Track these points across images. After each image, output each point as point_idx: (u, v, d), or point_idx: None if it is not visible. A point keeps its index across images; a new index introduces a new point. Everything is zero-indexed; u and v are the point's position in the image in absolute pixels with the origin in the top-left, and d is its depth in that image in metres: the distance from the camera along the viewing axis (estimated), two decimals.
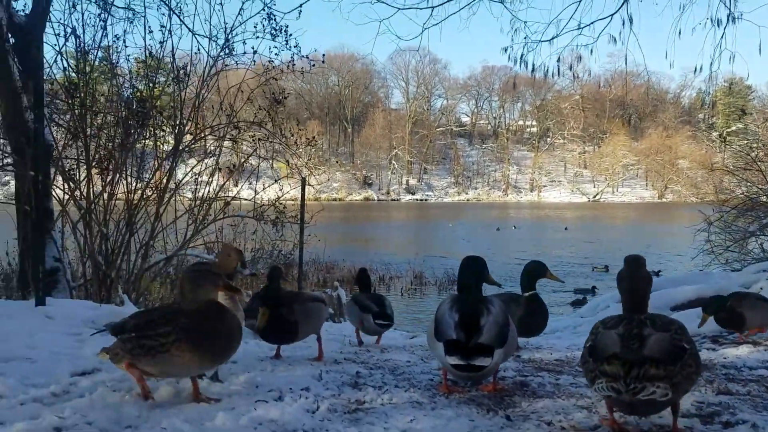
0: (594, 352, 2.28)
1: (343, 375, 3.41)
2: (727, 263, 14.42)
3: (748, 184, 15.32)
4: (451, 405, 2.76)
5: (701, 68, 8.05)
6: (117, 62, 8.40)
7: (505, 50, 9.22)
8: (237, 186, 10.40)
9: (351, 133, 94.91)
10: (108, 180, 8.00)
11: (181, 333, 2.60)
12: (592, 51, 8.97)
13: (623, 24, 7.91)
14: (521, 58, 9.21)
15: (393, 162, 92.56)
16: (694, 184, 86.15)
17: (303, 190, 10.79)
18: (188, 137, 8.94)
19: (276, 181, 10.49)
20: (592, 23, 8.60)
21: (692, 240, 15.40)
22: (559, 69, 9.82)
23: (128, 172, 8.34)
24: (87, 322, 5.00)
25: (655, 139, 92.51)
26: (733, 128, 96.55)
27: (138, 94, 8.66)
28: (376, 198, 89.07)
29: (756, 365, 3.78)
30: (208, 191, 9.49)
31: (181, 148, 8.79)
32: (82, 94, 7.66)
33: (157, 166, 8.89)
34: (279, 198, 10.40)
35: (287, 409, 2.56)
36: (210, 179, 9.51)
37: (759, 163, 15.03)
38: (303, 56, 9.71)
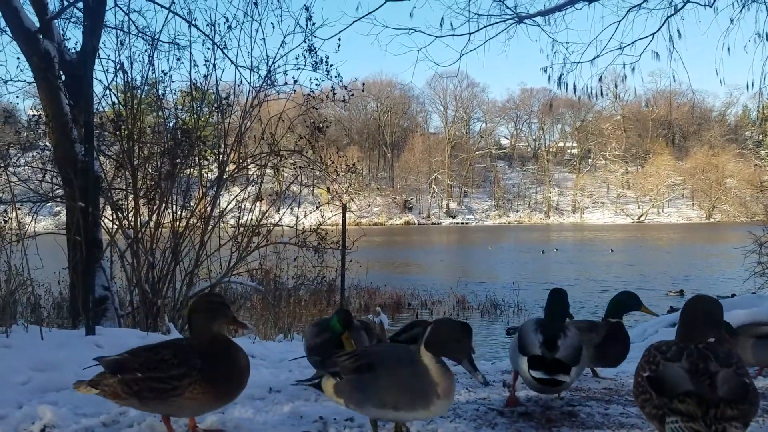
0: (659, 386, 2.21)
1: None
2: None
3: None
4: None
5: (753, 84, 7.88)
6: (163, 95, 8.66)
7: (545, 71, 9.19)
8: (279, 213, 10.53)
9: (390, 158, 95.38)
10: (154, 209, 8.21)
11: (196, 375, 2.44)
12: (634, 69, 8.87)
13: (670, 40, 7.81)
14: (560, 79, 9.17)
15: (433, 186, 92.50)
16: (743, 204, 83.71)
17: (344, 215, 10.86)
18: (231, 166, 9.13)
19: (317, 207, 10.59)
20: (633, 42, 8.54)
21: (743, 262, 14.90)
22: (602, 90, 9.73)
23: (174, 201, 8.54)
24: None
25: (701, 158, 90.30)
26: None
27: (183, 125, 8.90)
28: (416, 222, 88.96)
29: None
30: (251, 218, 9.64)
31: (224, 176, 8.98)
32: (130, 126, 7.91)
33: (201, 194, 9.09)
34: (321, 224, 10.49)
35: None
36: (252, 207, 9.66)
37: None
38: (344, 86, 9.87)
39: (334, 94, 10.25)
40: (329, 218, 11.00)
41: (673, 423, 2.12)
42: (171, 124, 9.14)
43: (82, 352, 4.72)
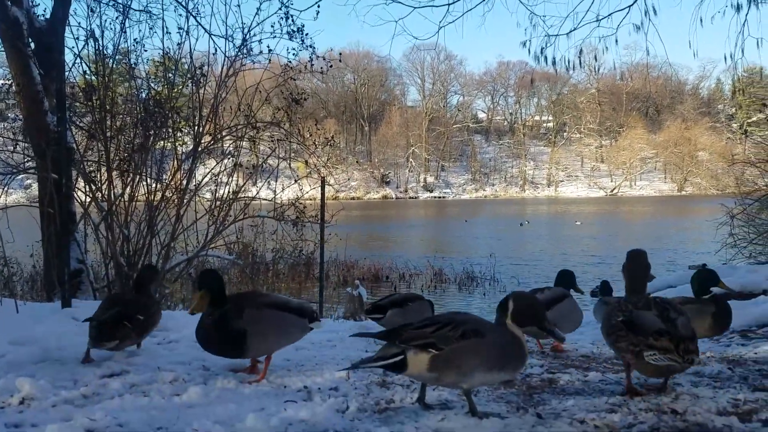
0: (634, 327, 2.74)
1: (371, 375, 3.39)
2: (751, 257, 14.21)
3: None
4: (481, 403, 2.74)
5: (732, 56, 7.90)
6: (135, 64, 8.46)
7: (524, 44, 9.15)
8: (255, 186, 10.43)
9: (368, 131, 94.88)
10: (128, 182, 8.07)
11: None
12: (617, 41, 8.86)
13: (646, 14, 7.79)
14: (541, 52, 9.14)
15: (410, 160, 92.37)
16: (715, 177, 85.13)
17: (323, 189, 10.80)
18: (207, 138, 8.99)
19: (296, 181, 10.51)
20: (610, 15, 8.49)
21: (714, 234, 15.19)
22: (580, 62, 9.72)
23: (148, 174, 8.40)
24: None
25: (674, 131, 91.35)
26: (754, 119, 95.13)
27: (156, 95, 8.71)
28: (394, 196, 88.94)
29: None
30: (228, 192, 9.54)
31: (200, 148, 8.85)
32: (102, 96, 7.72)
33: (176, 166, 8.97)
34: (299, 198, 10.43)
35: (317, 409, 2.55)
36: (229, 180, 9.56)
37: None
38: (320, 56, 9.72)
39: (312, 64, 10.10)
40: (307, 192, 10.94)
41: (652, 356, 2.65)
42: (144, 95, 8.94)
43: (58, 325, 4.66)
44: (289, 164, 10.58)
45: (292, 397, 2.81)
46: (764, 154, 16.59)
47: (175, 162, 9.12)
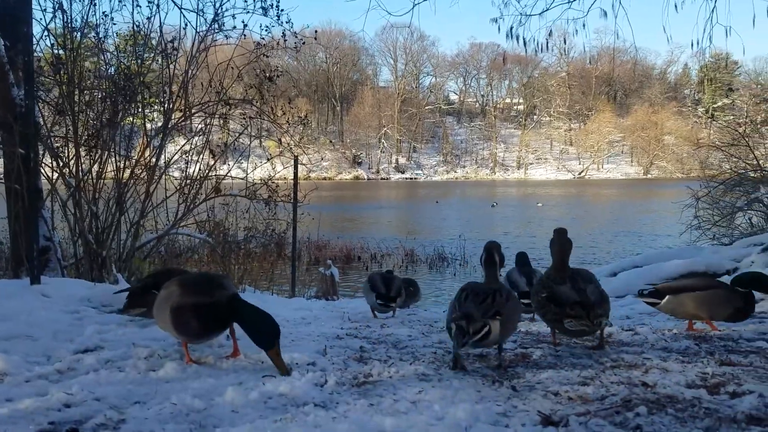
0: (555, 300, 3.32)
1: (347, 350, 3.42)
2: (714, 238, 14.59)
3: (736, 159, 15.44)
4: (457, 376, 2.78)
5: (699, 42, 8.02)
6: (105, 38, 8.25)
7: (495, 21, 9.19)
8: (225, 164, 10.31)
9: (340, 111, 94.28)
10: (96, 158, 7.92)
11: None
12: (584, 25, 8.95)
13: None
14: (512, 30, 9.17)
15: (382, 141, 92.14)
16: (680, 160, 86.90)
17: (296, 168, 10.75)
18: (177, 114, 8.85)
19: (269, 159, 10.43)
20: None
21: (680, 215, 15.55)
22: (547, 43, 9.80)
23: (117, 150, 8.26)
24: (83, 301, 4.99)
25: (641, 115, 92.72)
26: (719, 104, 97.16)
27: (125, 69, 8.52)
28: (366, 177, 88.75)
29: (753, 337, 3.83)
30: (199, 170, 9.43)
31: (170, 125, 8.71)
32: (70, 71, 7.53)
33: (145, 143, 8.82)
34: (271, 177, 10.36)
35: (296, 383, 2.56)
36: (200, 158, 9.44)
37: (747, 139, 15.15)
38: (294, 33, 9.60)
39: (285, 41, 9.97)
40: (279, 171, 10.86)
41: (569, 323, 3.23)
42: (112, 70, 8.74)
43: (28, 302, 4.58)
44: (260, 143, 10.48)
45: (270, 372, 2.81)
46: (730, 138, 16.98)
47: (145, 138, 8.98)
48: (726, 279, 7.34)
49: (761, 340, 3.69)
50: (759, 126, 16.53)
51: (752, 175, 14.37)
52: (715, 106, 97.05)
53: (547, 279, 3.48)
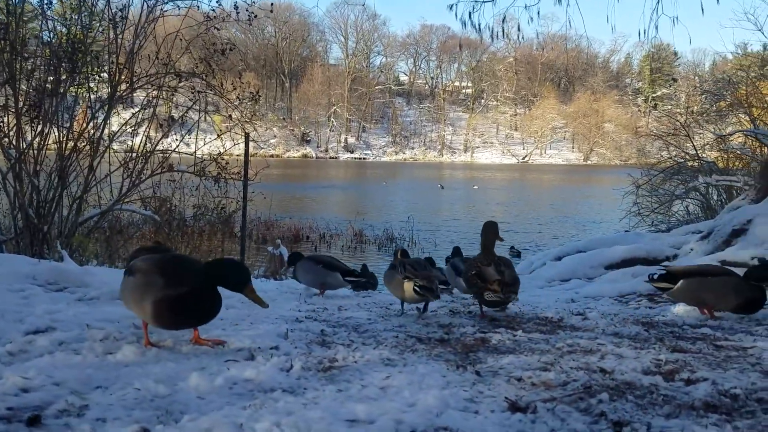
0: (482, 277, 4.14)
1: (309, 333, 3.40)
2: (653, 225, 15.18)
3: (675, 148, 16.05)
4: (421, 361, 2.81)
5: (645, 32, 8.25)
6: (48, 3, 7.87)
7: (451, 8, 9.22)
8: (167, 138, 9.99)
9: (288, 87, 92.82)
10: (38, 130, 7.59)
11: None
12: (538, 13, 9.09)
13: None
14: (469, 17, 9.22)
15: (332, 119, 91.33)
16: (618, 148, 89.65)
17: (246, 146, 10.55)
18: (123, 86, 8.54)
19: (219, 135, 10.20)
20: None
21: (620, 202, 16.10)
22: (503, 30, 9.92)
23: (59, 122, 7.93)
24: (28, 278, 4.77)
25: (583, 102, 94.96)
26: (659, 93, 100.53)
27: (71, 37, 8.15)
28: (314, 155, 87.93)
29: (696, 323, 4.01)
30: (145, 144, 9.16)
31: (116, 96, 8.42)
32: (12, 38, 7.15)
33: (90, 115, 8.50)
34: (221, 153, 10.13)
35: (261, 368, 2.53)
36: (146, 130, 9.16)
37: (686, 129, 15.74)
38: (247, 5, 9.38)
39: (238, 13, 9.74)
40: (228, 148, 10.63)
41: (488, 294, 4.06)
42: (55, 37, 8.35)
43: None
44: (205, 117, 10.18)
45: (232, 356, 2.77)
46: (670, 128, 17.61)
47: (89, 110, 8.65)
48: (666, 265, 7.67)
49: (705, 326, 3.87)
50: (698, 117, 17.17)
51: (690, 164, 14.97)
52: (654, 95, 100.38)
53: (476, 261, 4.32)
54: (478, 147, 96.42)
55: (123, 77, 8.43)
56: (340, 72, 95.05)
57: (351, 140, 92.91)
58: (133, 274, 2.95)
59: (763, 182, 7.85)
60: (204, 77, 9.31)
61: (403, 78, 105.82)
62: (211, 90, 9.48)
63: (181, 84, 9.09)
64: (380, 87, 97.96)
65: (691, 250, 8.02)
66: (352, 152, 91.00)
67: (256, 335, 3.18)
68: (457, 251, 6.43)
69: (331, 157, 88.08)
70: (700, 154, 14.96)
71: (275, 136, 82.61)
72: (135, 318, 3.46)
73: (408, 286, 4.08)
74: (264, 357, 2.74)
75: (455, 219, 28.01)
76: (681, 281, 4.33)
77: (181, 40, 9.30)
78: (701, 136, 16.35)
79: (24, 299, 4.08)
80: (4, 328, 3.16)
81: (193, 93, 9.66)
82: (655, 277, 4.64)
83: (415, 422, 1.95)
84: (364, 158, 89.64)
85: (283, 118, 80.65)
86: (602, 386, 2.38)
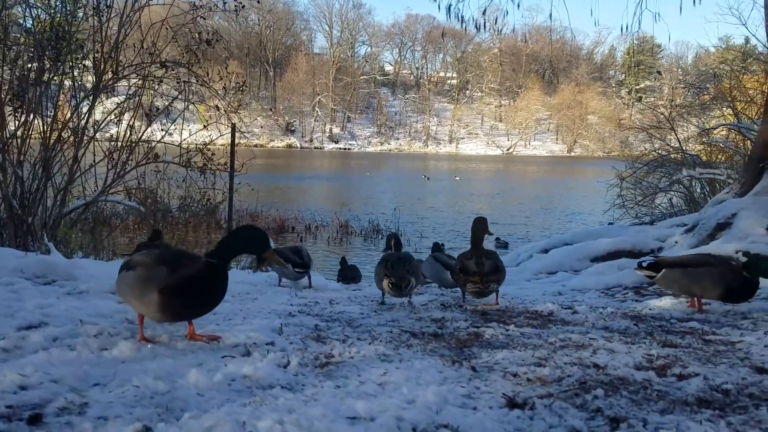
0: (464, 271, 4.54)
1: (303, 328, 3.41)
2: (637, 217, 15.32)
3: (659, 141, 16.20)
4: (417, 357, 2.84)
5: (628, 27, 8.34)
6: None
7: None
8: (160, 130, 9.92)
9: (273, 76, 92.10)
10: (22, 120, 7.50)
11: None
12: (518, 5, 9.19)
13: None
14: (449, 9, 9.31)
15: (316, 109, 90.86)
16: (602, 140, 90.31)
17: (233, 137, 10.49)
18: (109, 75, 8.46)
19: (205, 126, 10.13)
20: None
21: (605, 194, 16.23)
22: (485, 21, 10.03)
23: (43, 112, 7.85)
24: (16, 272, 4.74)
25: (567, 94, 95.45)
26: (642, 85, 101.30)
27: (54, 25, 8.03)
28: (299, 145, 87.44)
29: (683, 317, 4.08)
30: (130, 134, 9.08)
31: (101, 86, 8.33)
32: None
33: (73, 106, 8.42)
34: (207, 144, 10.07)
35: (258, 364, 2.53)
36: (131, 120, 9.08)
37: (671, 122, 15.89)
38: None
39: (225, 2, 9.65)
40: (215, 138, 10.56)
41: (470, 286, 4.49)
42: (39, 26, 8.23)
43: None
44: (187, 105, 10.09)
45: (228, 352, 2.77)
46: (654, 120, 17.77)
47: (72, 100, 8.57)
48: (651, 259, 7.75)
49: (692, 320, 3.94)
50: (682, 110, 17.33)
51: (673, 156, 15.12)
52: (638, 87, 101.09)
53: (462, 256, 4.76)
54: (463, 138, 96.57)
55: (108, 67, 8.34)
56: (324, 61, 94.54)
57: (336, 130, 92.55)
58: (132, 269, 2.93)
59: (748, 176, 7.96)
60: (189, 67, 9.24)
61: (388, 68, 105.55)
62: (196, 80, 9.40)
63: (166, 74, 9.00)
64: (365, 77, 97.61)
65: (676, 242, 8.13)
66: (336, 142, 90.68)
67: (250, 330, 3.17)
68: (436, 247, 6.56)
69: (315, 148, 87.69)
70: (683, 147, 15.11)
71: (260, 126, 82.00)
72: (127, 313, 3.45)
73: (386, 282, 4.48)
74: (260, 353, 2.75)
75: (440, 210, 28.08)
76: (663, 270, 4.47)
77: (167, 29, 9.24)
78: (684, 129, 16.51)
79: (13, 293, 4.04)
80: None
81: (178, 83, 9.59)
82: (644, 264, 4.78)
83: (416, 419, 1.96)
84: (348, 149, 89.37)
85: (271, 109, 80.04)
86: (597, 382, 2.41)
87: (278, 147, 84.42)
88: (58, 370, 2.40)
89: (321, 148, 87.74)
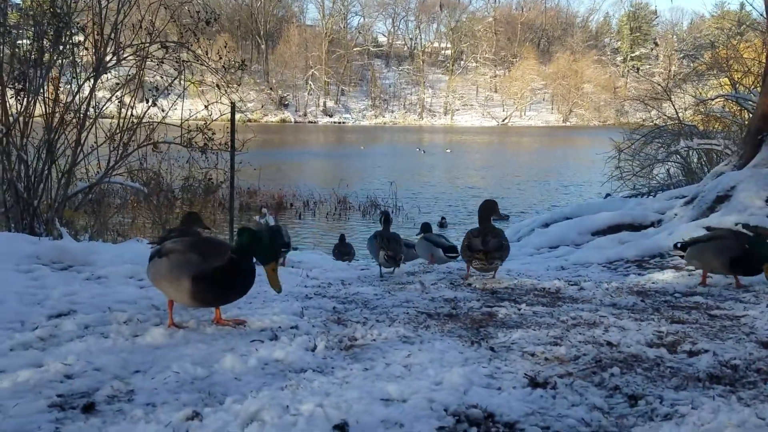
0: (471, 248, 4.90)
1: (322, 311, 3.53)
2: (635, 188, 15.46)
3: (657, 111, 16.26)
4: (436, 338, 2.96)
5: None
6: None
7: None
8: (161, 111, 9.92)
9: (265, 49, 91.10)
10: (24, 103, 7.52)
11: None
12: None
13: None
14: None
15: (309, 82, 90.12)
16: (597, 108, 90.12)
17: (233, 116, 10.50)
18: (109, 57, 8.45)
19: (206, 107, 10.12)
20: None
21: (603, 166, 16.35)
22: None
23: (44, 94, 7.86)
24: (32, 258, 4.84)
25: (563, 63, 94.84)
26: (637, 53, 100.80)
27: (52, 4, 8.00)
28: (293, 120, 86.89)
29: (687, 291, 4.21)
30: (130, 116, 9.09)
31: (102, 67, 8.33)
32: None
33: (76, 87, 8.42)
34: (206, 124, 10.09)
35: (288, 349, 2.65)
36: (132, 102, 9.09)
37: (668, 93, 15.93)
38: None
39: None
40: (216, 118, 10.56)
41: (475, 262, 4.91)
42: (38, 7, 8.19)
43: None
44: (186, 87, 10.07)
45: (257, 336, 2.89)
46: (651, 90, 17.80)
47: (74, 81, 8.56)
48: (653, 231, 7.86)
49: (695, 294, 4.08)
50: (679, 80, 17.35)
51: (670, 126, 15.19)
52: (633, 55, 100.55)
53: (470, 233, 5.11)
54: (458, 110, 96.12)
55: (109, 49, 8.33)
56: (317, 33, 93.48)
57: (330, 104, 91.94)
58: (165, 256, 3.02)
59: (746, 148, 8.05)
60: (189, 48, 9.23)
61: (382, 39, 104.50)
62: (197, 60, 9.39)
63: (168, 55, 9.00)
64: (358, 49, 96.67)
65: (675, 215, 8.26)
66: (331, 116, 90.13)
67: (272, 314, 3.29)
68: (426, 227, 6.82)
69: (309, 122, 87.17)
70: (680, 117, 15.18)
71: (252, 100, 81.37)
72: (152, 299, 3.57)
73: (382, 254, 5.23)
74: (287, 337, 2.86)
75: (437, 185, 28.13)
76: (688, 248, 4.75)
77: (165, 9, 9.21)
78: (681, 98, 16.56)
79: (34, 280, 4.14)
80: (27, 312, 3.25)
81: (177, 63, 9.57)
82: (679, 245, 5.04)
83: (447, 401, 2.09)
84: (343, 122, 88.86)
85: (270, 87, 79.24)
86: (612, 360, 2.54)
87: (272, 122, 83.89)
88: (98, 358, 2.52)
89: (315, 123, 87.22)
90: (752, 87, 12.91)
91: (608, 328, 3.07)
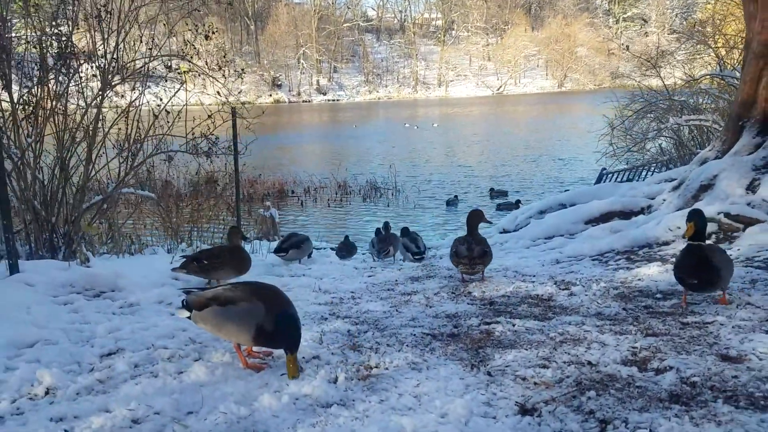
0: (457, 254, 5.64)
1: (338, 335, 3.97)
2: (628, 164, 15.86)
3: (647, 88, 16.57)
4: (439, 363, 3.39)
5: None
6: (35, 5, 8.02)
7: None
8: (166, 122, 10.27)
9: (254, 30, 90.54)
10: (36, 124, 7.89)
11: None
12: None
13: None
14: None
15: (301, 61, 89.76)
16: (592, 72, 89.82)
17: (234, 121, 10.86)
18: (113, 76, 8.79)
19: (209, 117, 10.48)
20: None
21: (596, 144, 16.73)
22: None
23: (56, 119, 8.22)
24: (66, 287, 5.24)
25: (555, 28, 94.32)
26: (629, 13, 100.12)
27: (58, 36, 8.33)
28: (287, 100, 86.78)
29: (667, 288, 4.64)
30: (137, 129, 9.45)
31: (108, 87, 8.67)
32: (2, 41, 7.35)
33: (84, 107, 8.76)
34: (210, 130, 10.46)
35: (314, 382, 3.07)
36: (137, 115, 9.45)
37: (657, 69, 16.21)
38: None
39: None
40: (219, 125, 10.93)
41: (461, 267, 5.67)
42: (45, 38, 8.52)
43: (18, 296, 4.69)
44: (183, 85, 10.43)
45: (284, 370, 3.31)
46: (643, 58, 18.06)
47: (82, 101, 8.89)
48: (643, 219, 8.25)
49: (674, 295, 4.51)
50: (668, 56, 17.62)
51: (661, 103, 15.52)
52: (625, 16, 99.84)
53: (456, 240, 5.83)
54: (452, 81, 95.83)
55: (114, 69, 8.67)
56: (306, 11, 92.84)
57: (323, 82, 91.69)
58: (232, 303, 3.33)
59: (728, 135, 8.42)
60: (190, 61, 9.55)
61: (371, 13, 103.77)
62: (198, 73, 9.73)
63: (170, 74, 9.37)
64: (348, 24, 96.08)
65: (664, 200, 8.67)
66: (324, 94, 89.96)
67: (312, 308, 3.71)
68: (405, 231, 8.37)
69: (303, 101, 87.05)
70: (670, 94, 15.50)
71: (245, 83, 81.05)
72: (187, 331, 4.01)
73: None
74: (312, 369, 3.30)
75: (436, 163, 28.42)
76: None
77: (164, 25, 9.51)
78: (671, 74, 16.86)
79: (75, 313, 4.57)
80: (79, 352, 3.68)
81: (179, 74, 9.90)
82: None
83: None
84: (337, 100, 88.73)
85: (263, 70, 78.76)
86: (590, 381, 2.98)
87: (266, 103, 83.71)
88: (155, 401, 2.95)
89: (309, 102, 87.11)
90: (737, 64, 13.21)
91: (590, 345, 3.50)
